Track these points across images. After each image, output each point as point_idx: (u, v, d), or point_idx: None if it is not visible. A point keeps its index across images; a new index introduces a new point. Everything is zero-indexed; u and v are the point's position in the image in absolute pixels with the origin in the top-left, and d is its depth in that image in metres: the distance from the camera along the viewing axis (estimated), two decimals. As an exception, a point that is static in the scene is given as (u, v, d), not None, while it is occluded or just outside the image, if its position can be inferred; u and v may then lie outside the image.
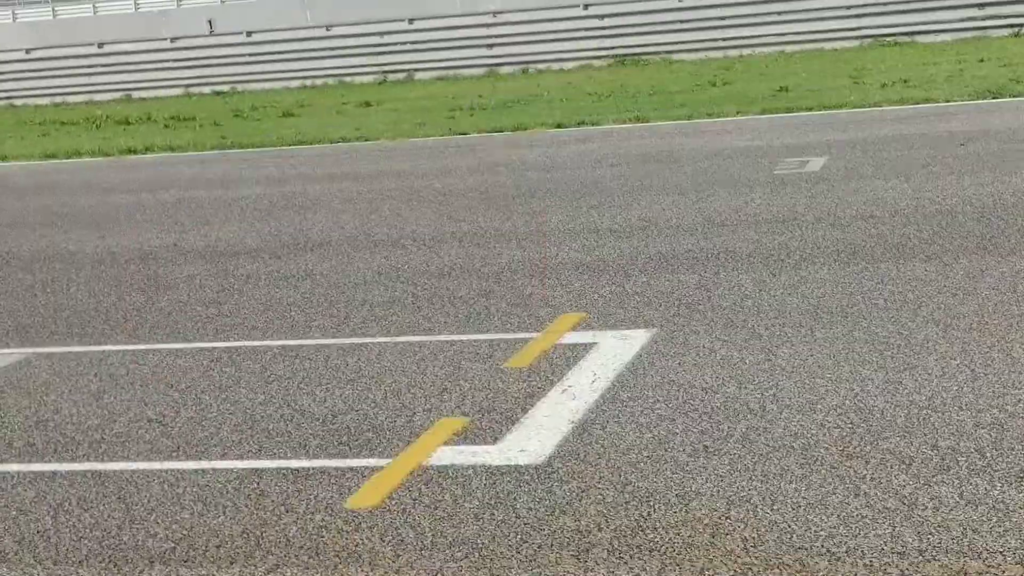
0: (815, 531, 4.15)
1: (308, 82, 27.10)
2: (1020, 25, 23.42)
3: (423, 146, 16.07)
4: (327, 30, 27.50)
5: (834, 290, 7.08)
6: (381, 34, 26.92)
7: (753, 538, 4.13)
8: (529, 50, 26.07)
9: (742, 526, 4.22)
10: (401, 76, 26.58)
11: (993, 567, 3.83)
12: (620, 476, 4.69)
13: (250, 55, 27.82)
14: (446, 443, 5.18)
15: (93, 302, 8.44)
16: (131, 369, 6.70)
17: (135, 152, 17.99)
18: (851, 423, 5.04)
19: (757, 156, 12.42)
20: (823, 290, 7.10)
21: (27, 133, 22.25)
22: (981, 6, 23.62)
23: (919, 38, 23.69)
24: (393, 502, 4.65)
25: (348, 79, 26.97)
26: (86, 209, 12.87)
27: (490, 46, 26.41)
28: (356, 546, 4.32)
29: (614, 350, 6.27)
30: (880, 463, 4.62)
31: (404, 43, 26.83)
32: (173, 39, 28.64)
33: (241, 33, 28.10)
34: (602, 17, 25.72)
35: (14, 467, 5.36)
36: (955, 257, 7.62)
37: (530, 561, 4.11)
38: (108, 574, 4.29)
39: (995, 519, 4.13)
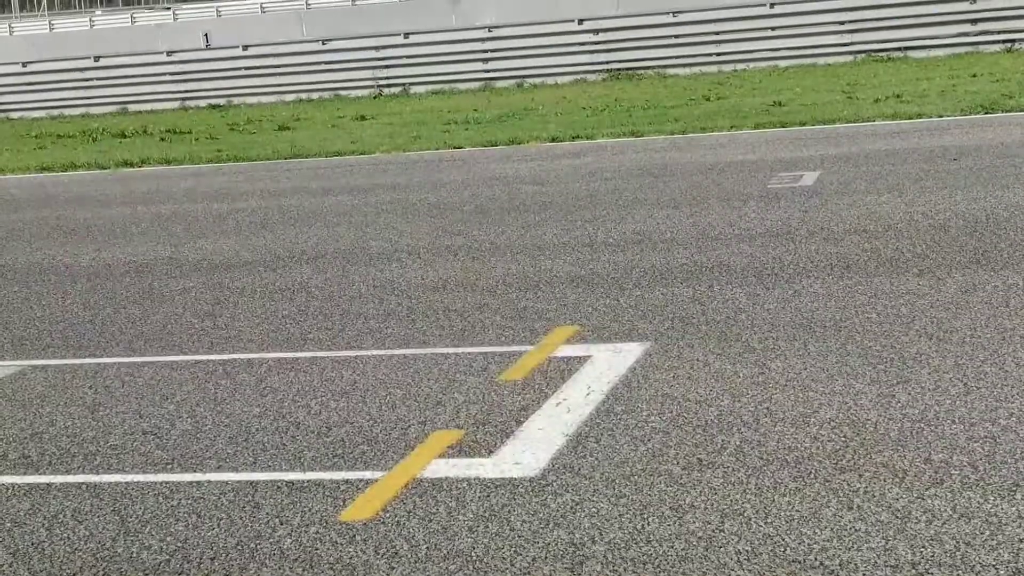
0: (809, 544, 4.16)
1: (304, 96, 27.13)
2: (1013, 41, 23.51)
3: (418, 159, 16.10)
4: (323, 44, 27.54)
5: (827, 304, 7.10)
6: (377, 48, 26.96)
7: (747, 551, 4.14)
8: (524, 64, 26.13)
9: (736, 539, 4.23)
10: (396, 90, 26.62)
11: (985, 580, 3.85)
12: (614, 489, 4.71)
13: (246, 69, 27.85)
14: (440, 456, 5.19)
15: (88, 314, 8.44)
16: (126, 381, 6.71)
17: (131, 165, 18.00)
18: (844, 436, 5.05)
19: (751, 170, 12.46)
20: (816, 304, 7.12)
21: (23, 146, 22.25)
22: (974, 22, 23.71)
23: (912, 53, 23.77)
24: (387, 515, 4.66)
25: (344, 93, 27.01)
26: (82, 222, 12.88)
27: (485, 60, 26.46)
28: (350, 559, 4.32)
29: (608, 363, 6.28)
30: (873, 476, 4.64)
31: (399, 57, 26.88)
32: (169, 52, 28.67)
33: (237, 47, 28.13)
34: (596, 32, 25.79)
35: (9, 479, 5.36)
36: (948, 271, 7.64)
37: (524, 574, 4.12)
38: (103, 586, 4.29)
39: (988, 532, 4.15)
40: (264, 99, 27.29)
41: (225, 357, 7.04)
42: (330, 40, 27.57)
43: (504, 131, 17.83)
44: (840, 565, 4.00)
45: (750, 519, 4.36)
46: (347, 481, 5.00)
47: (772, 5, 24.70)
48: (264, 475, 5.14)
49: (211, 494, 4.99)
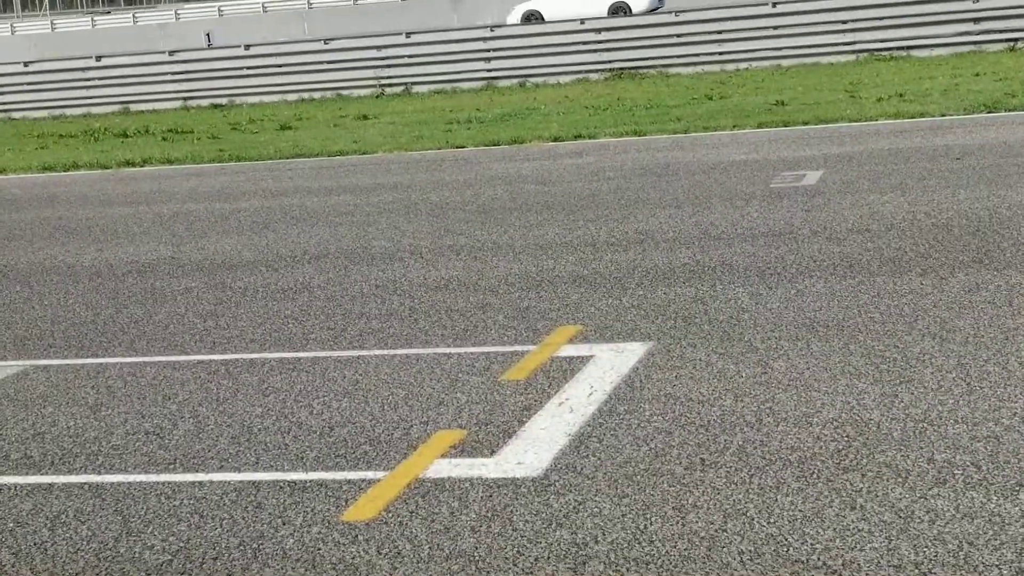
0: (812, 544, 4.15)
1: (306, 95, 27.13)
2: (1016, 39, 23.49)
3: (420, 159, 16.10)
4: (325, 43, 27.55)
5: (830, 303, 7.10)
6: (379, 47, 26.96)
7: (750, 551, 4.14)
8: (526, 64, 26.11)
9: (739, 539, 4.23)
10: (399, 89, 26.63)
11: (989, 580, 3.85)
12: (617, 489, 4.70)
13: (248, 68, 27.85)
14: (443, 456, 5.19)
15: (91, 315, 8.44)
16: (128, 382, 6.71)
17: (133, 165, 18.00)
18: (847, 436, 5.05)
19: (753, 170, 12.45)
20: (819, 303, 7.12)
21: (25, 146, 22.25)
22: (977, 20, 23.68)
23: (915, 52, 23.74)
24: (390, 515, 4.65)
25: (346, 92, 27.01)
26: (84, 222, 12.88)
27: (487, 60, 26.46)
28: (353, 559, 4.32)
29: (611, 363, 6.28)
30: (876, 476, 4.64)
31: (402, 56, 26.88)
32: (171, 52, 28.68)
33: (239, 46, 28.14)
34: (599, 31, 25.78)
35: (11, 479, 5.36)
36: (951, 271, 7.64)
37: (527, 574, 4.11)
38: (105, 586, 4.29)
39: (991, 532, 4.14)
40: (266, 99, 27.30)
41: (227, 357, 7.04)
42: (332, 39, 27.57)
43: (506, 130, 17.83)
44: (843, 565, 4.00)
45: (753, 519, 4.36)
46: (349, 481, 5.00)
47: (774, 4, 24.68)
48: (266, 475, 5.14)
49: (213, 494, 4.99)
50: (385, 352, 6.87)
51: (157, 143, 20.78)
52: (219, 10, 47.12)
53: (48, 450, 5.69)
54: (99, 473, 5.33)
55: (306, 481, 5.04)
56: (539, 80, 25.91)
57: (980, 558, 3.97)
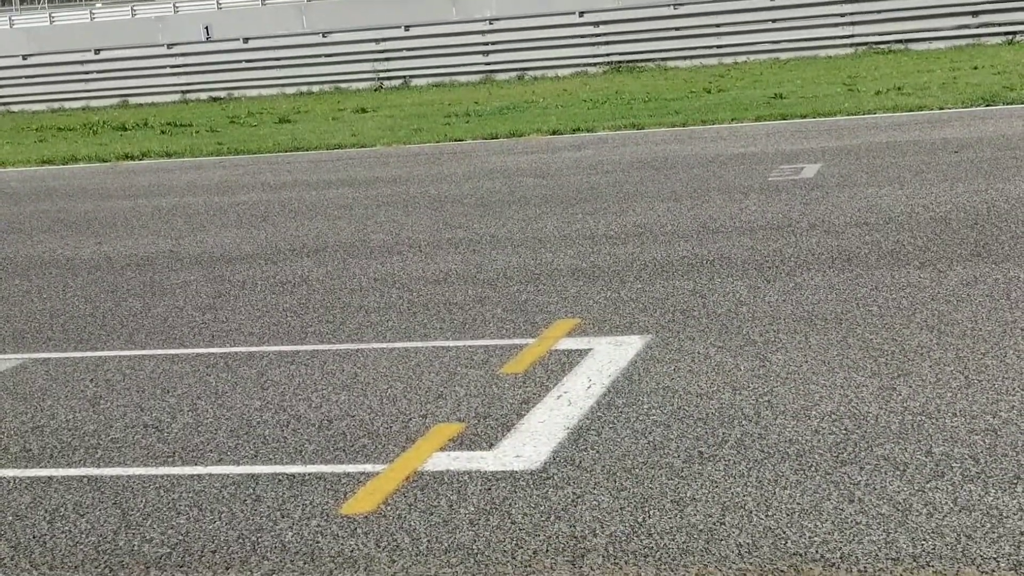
0: (810, 537, 4.16)
1: (304, 88, 27.12)
2: (1014, 33, 23.49)
3: (419, 152, 16.09)
4: (323, 37, 27.53)
5: (828, 297, 7.10)
6: (377, 41, 26.94)
7: (748, 544, 4.15)
8: (524, 57, 26.11)
9: (737, 532, 4.24)
10: (397, 83, 26.61)
11: (987, 573, 3.85)
12: (615, 482, 4.71)
13: (247, 61, 27.84)
14: (441, 449, 5.20)
15: (90, 308, 8.44)
16: (127, 375, 6.71)
17: (132, 158, 18.00)
18: (845, 429, 5.05)
19: (752, 163, 12.45)
20: (817, 297, 7.12)
21: (24, 139, 22.24)
22: (975, 14, 23.68)
23: (913, 46, 23.75)
24: (388, 508, 4.66)
25: (344, 85, 27.00)
26: (83, 215, 12.88)
27: (486, 53, 26.45)
28: (351, 552, 4.33)
29: (609, 356, 6.29)
30: (874, 469, 4.64)
31: (400, 50, 26.86)
32: (170, 45, 28.66)
33: (238, 39, 28.12)
34: (597, 24, 25.77)
35: (10, 472, 5.37)
36: (949, 264, 7.64)
37: (525, 567, 4.12)
38: (104, 579, 4.30)
39: (989, 525, 4.15)
40: (265, 92, 27.29)
41: (226, 350, 7.05)
42: (331, 33, 27.56)
43: (505, 124, 17.83)
44: (841, 558, 4.00)
45: (751, 512, 4.37)
46: (348, 474, 5.01)
47: (773, -3, 24.67)
48: (265, 468, 5.15)
49: (212, 487, 4.99)
50: (384, 345, 6.88)
51: (156, 136, 20.77)
52: (217, 3, 47.02)
53: (47, 443, 5.70)
54: (98, 466, 5.34)
55: (305, 474, 5.05)
56: (537, 73, 25.90)
57: (978, 551, 3.98)
